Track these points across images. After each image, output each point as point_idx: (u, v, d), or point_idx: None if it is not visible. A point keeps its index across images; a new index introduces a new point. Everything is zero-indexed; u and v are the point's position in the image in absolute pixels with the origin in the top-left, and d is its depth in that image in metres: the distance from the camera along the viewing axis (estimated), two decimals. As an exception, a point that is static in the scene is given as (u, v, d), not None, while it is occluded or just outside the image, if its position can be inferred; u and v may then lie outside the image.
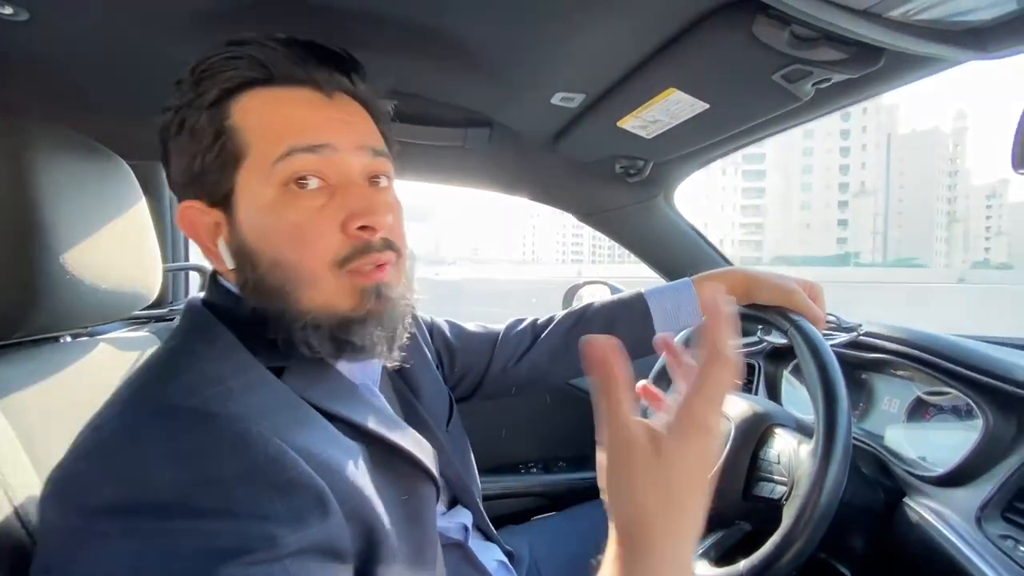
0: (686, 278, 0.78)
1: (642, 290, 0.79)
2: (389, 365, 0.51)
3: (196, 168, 0.45)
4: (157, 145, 0.48)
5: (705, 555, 0.66)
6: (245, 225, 0.44)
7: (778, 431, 0.69)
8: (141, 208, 0.62)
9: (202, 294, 0.49)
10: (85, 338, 0.65)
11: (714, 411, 0.32)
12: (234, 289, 0.47)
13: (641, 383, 0.42)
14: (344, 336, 0.44)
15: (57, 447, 0.34)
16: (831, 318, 0.79)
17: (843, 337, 0.82)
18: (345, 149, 0.45)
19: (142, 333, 0.73)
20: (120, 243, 0.58)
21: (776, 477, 0.65)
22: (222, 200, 0.45)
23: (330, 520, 0.35)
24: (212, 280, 0.49)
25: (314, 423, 0.41)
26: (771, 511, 0.62)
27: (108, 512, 0.31)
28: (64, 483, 0.33)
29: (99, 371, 0.60)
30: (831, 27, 0.48)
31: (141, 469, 0.32)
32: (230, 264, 0.46)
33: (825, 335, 0.65)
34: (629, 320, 0.77)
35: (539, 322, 0.82)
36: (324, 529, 0.35)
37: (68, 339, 0.63)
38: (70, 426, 0.35)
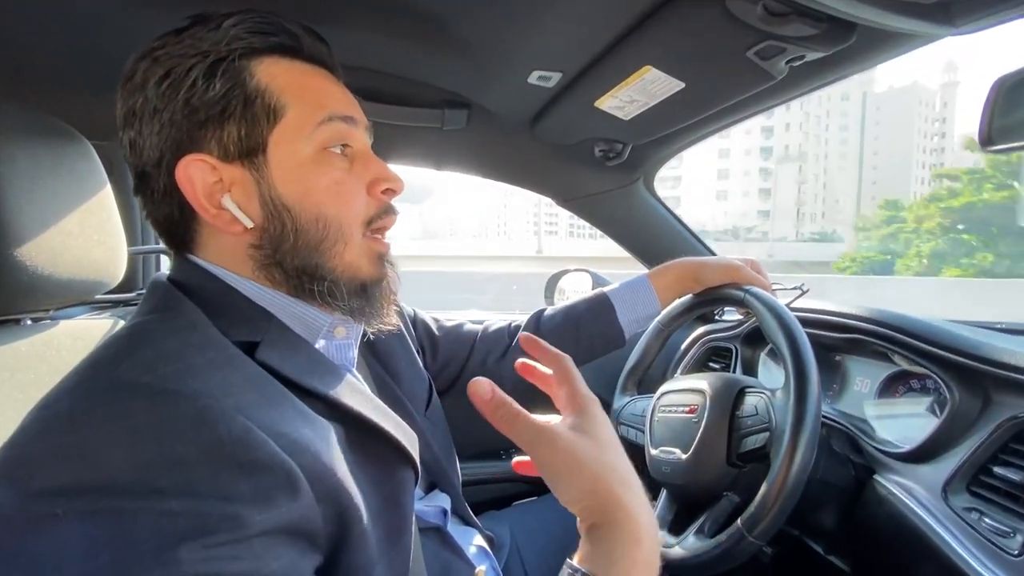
0: (641, 274, 0.85)
1: (603, 289, 0.86)
2: (384, 328, 0.52)
3: (207, 120, 0.43)
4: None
5: (699, 531, 0.68)
6: (281, 181, 0.45)
7: (749, 391, 0.71)
8: (105, 189, 0.61)
9: (168, 272, 0.48)
10: (47, 321, 0.63)
11: (582, 383, 0.41)
12: (205, 265, 0.46)
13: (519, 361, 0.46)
14: (362, 298, 0.49)
15: (11, 428, 0.33)
16: (776, 285, 0.86)
17: (792, 296, 0.88)
18: (361, 125, 0.50)
19: (105, 317, 0.71)
20: (82, 225, 0.56)
21: (756, 427, 0.66)
22: (245, 155, 0.44)
23: (300, 501, 0.34)
24: (180, 257, 0.48)
25: (284, 401, 0.39)
26: (757, 474, 0.63)
27: (58, 493, 0.30)
28: (11, 464, 0.32)
29: (59, 354, 0.59)
30: None
31: (92, 448, 0.31)
32: (248, 222, 0.44)
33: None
34: (594, 311, 0.82)
35: (512, 325, 0.86)
36: (293, 510, 0.34)
37: (29, 322, 0.61)
38: (25, 408, 0.34)
